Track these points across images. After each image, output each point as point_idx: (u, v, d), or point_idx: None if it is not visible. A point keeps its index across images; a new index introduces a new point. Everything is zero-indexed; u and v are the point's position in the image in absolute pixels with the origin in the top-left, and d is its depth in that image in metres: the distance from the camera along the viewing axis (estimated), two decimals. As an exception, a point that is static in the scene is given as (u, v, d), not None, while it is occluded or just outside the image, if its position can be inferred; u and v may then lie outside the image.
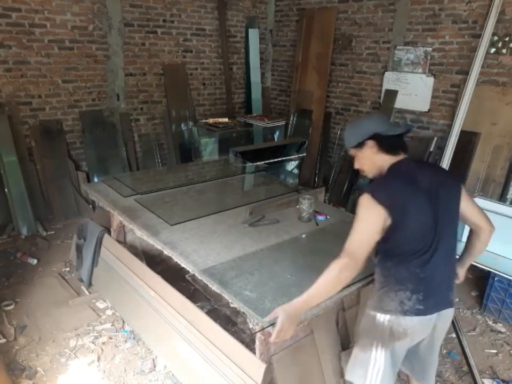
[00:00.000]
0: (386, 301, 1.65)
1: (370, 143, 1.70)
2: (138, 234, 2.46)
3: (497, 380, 2.51)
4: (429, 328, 1.70)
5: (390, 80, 4.70)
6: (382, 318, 1.66)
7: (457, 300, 2.84)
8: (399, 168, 1.67)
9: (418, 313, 1.62)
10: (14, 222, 4.04)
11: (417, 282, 1.61)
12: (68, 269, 3.50)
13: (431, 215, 1.60)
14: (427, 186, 1.62)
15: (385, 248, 1.65)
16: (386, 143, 1.68)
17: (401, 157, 1.70)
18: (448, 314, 1.74)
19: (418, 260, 1.60)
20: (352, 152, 1.80)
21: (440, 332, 1.77)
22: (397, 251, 1.63)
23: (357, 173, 4.95)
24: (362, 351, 1.75)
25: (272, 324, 1.59)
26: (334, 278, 1.53)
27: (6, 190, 3.99)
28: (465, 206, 1.73)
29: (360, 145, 1.73)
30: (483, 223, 1.77)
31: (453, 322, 2.33)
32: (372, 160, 1.73)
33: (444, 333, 1.82)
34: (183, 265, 2.09)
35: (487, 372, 2.59)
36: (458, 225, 1.71)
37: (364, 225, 1.58)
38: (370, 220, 1.57)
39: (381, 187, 1.65)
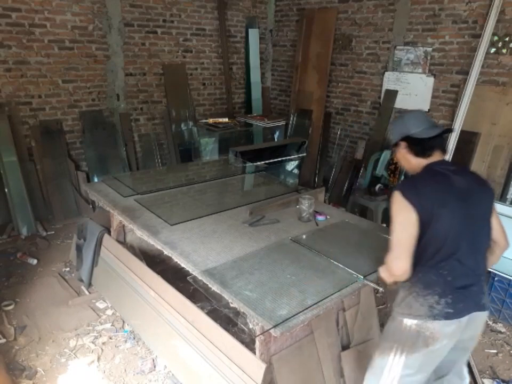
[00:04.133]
0: (416, 307, 1.63)
1: (403, 144, 1.75)
2: (138, 234, 2.46)
3: (497, 380, 2.51)
4: (458, 332, 1.66)
5: (390, 80, 4.70)
6: (410, 322, 1.65)
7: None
8: (433, 169, 1.68)
9: (447, 316, 1.60)
10: (13, 222, 4.04)
11: (445, 286, 1.61)
12: (67, 269, 3.50)
13: (463, 219, 1.60)
14: (462, 190, 1.62)
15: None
16: (418, 146, 1.71)
17: (436, 158, 1.71)
18: (480, 317, 1.71)
19: (447, 263, 1.60)
20: (392, 148, 1.86)
21: (471, 336, 1.74)
22: (425, 254, 1.62)
23: (357, 173, 4.95)
24: (380, 357, 1.74)
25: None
26: (385, 275, 1.67)
27: (6, 190, 3.99)
28: (491, 218, 1.72)
29: (395, 144, 1.80)
30: (502, 239, 1.76)
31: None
32: (406, 159, 1.78)
33: (475, 338, 1.80)
34: (183, 265, 2.09)
35: (487, 372, 2.59)
36: (490, 231, 1.72)
37: (398, 221, 1.61)
38: (403, 215, 1.59)
39: (410, 186, 1.66)
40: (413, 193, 1.59)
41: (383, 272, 1.69)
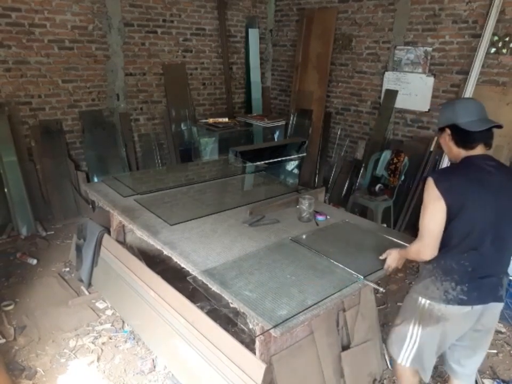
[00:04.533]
0: (432, 289, 1.75)
1: (447, 131, 1.77)
2: (138, 234, 2.46)
3: (497, 380, 2.51)
4: (471, 320, 1.76)
5: (390, 80, 4.70)
6: (424, 301, 1.79)
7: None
8: (471, 161, 1.71)
9: (460, 302, 1.70)
10: (13, 222, 4.04)
11: (464, 275, 1.69)
12: (67, 269, 3.50)
13: (492, 213, 1.65)
14: (497, 185, 1.66)
15: None
16: (461, 136, 1.73)
17: (478, 151, 1.72)
18: (496, 308, 1.79)
19: (469, 254, 1.67)
20: (437, 132, 1.88)
21: (486, 325, 1.82)
22: (449, 242, 1.69)
23: (357, 173, 4.95)
24: (402, 325, 1.90)
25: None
26: (414, 256, 1.79)
27: (5, 190, 3.99)
28: None
29: (440, 129, 1.81)
30: None
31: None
32: (448, 146, 1.80)
33: (491, 329, 1.89)
34: (182, 265, 2.09)
35: (487, 372, 2.59)
36: None
37: (430, 210, 1.67)
38: (435, 205, 1.65)
39: (444, 176, 1.70)
40: (445, 184, 1.64)
41: (412, 253, 1.79)
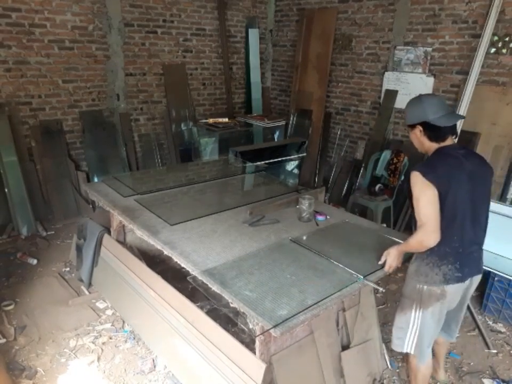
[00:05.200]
0: (431, 275, 1.88)
1: (419, 128, 1.89)
2: (138, 234, 2.46)
3: (497, 380, 2.51)
4: (462, 292, 1.98)
5: (390, 80, 4.70)
6: (423, 286, 1.91)
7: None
8: (445, 152, 1.85)
9: (458, 280, 1.87)
10: (14, 222, 4.04)
11: (456, 255, 1.85)
12: (67, 269, 3.50)
13: (469, 195, 1.82)
14: (470, 170, 1.82)
15: None
16: (433, 132, 1.86)
17: (448, 142, 1.87)
18: (478, 279, 2.02)
19: (457, 235, 1.83)
20: (407, 127, 2.00)
21: (469, 294, 2.06)
22: (441, 227, 1.79)
23: (357, 173, 4.95)
24: (403, 313, 2.01)
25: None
26: (416, 246, 1.86)
27: (6, 190, 3.99)
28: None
29: (411, 126, 1.94)
30: None
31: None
32: (419, 141, 1.93)
33: (470, 295, 2.10)
34: (183, 265, 2.09)
35: (487, 372, 2.59)
36: (489, 206, 1.94)
37: (425, 199, 1.77)
38: (428, 193, 1.77)
39: (428, 167, 1.81)
40: (432, 173, 1.77)
41: (415, 244, 1.85)
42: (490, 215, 1.97)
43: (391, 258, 1.98)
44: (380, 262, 2.02)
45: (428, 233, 1.78)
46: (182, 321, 2.21)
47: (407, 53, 4.49)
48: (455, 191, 1.78)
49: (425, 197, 1.77)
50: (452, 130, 1.88)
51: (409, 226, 4.11)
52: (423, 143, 1.92)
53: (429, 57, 4.32)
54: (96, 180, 4.58)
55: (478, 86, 3.92)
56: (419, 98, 1.92)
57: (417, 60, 4.42)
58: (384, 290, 2.03)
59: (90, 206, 4.27)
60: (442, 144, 1.87)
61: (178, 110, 5.25)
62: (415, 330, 1.98)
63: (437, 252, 1.85)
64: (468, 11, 3.97)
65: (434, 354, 2.25)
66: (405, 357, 2.32)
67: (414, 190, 1.80)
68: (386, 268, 1.99)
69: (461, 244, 1.85)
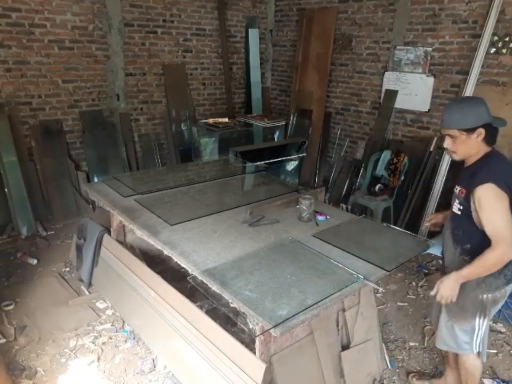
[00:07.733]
0: (495, 283, 1.85)
1: (482, 131, 1.74)
2: (138, 234, 2.46)
3: (497, 380, 2.51)
4: None
5: (390, 80, 4.70)
6: (487, 296, 1.89)
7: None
8: (494, 154, 1.79)
9: None
10: (13, 222, 4.04)
11: None
12: (67, 269, 3.50)
13: None
14: None
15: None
16: (493, 135, 1.77)
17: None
18: None
19: None
20: (451, 132, 1.79)
21: None
22: None
23: (357, 173, 4.95)
24: (467, 322, 1.97)
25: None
26: (496, 265, 1.74)
27: (6, 190, 3.99)
28: None
29: (469, 130, 1.74)
30: None
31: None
32: (471, 146, 1.78)
33: None
34: (183, 265, 2.09)
35: (487, 372, 2.59)
36: None
37: (503, 211, 1.70)
38: (503, 204, 1.69)
39: (499, 176, 1.71)
40: (504, 183, 1.69)
41: (493, 264, 1.75)
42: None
43: (444, 288, 1.84)
44: (432, 293, 1.90)
45: (510, 248, 1.69)
46: (182, 321, 2.21)
47: (407, 53, 4.50)
48: None
49: (502, 209, 1.69)
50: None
51: (409, 226, 4.13)
52: (477, 147, 1.78)
53: (429, 57, 4.32)
54: (96, 180, 4.59)
55: (478, 86, 3.92)
56: (476, 100, 1.79)
57: (417, 59, 4.42)
58: (384, 290, 2.03)
59: (90, 206, 4.27)
60: (490, 148, 1.80)
61: (178, 110, 5.25)
62: (481, 333, 1.99)
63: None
64: (468, 11, 3.97)
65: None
66: (447, 359, 2.32)
67: (487, 203, 1.70)
68: (437, 297, 1.88)
69: None
